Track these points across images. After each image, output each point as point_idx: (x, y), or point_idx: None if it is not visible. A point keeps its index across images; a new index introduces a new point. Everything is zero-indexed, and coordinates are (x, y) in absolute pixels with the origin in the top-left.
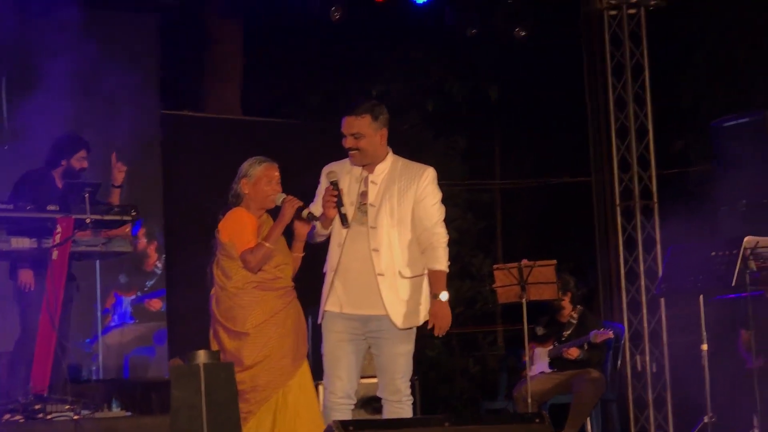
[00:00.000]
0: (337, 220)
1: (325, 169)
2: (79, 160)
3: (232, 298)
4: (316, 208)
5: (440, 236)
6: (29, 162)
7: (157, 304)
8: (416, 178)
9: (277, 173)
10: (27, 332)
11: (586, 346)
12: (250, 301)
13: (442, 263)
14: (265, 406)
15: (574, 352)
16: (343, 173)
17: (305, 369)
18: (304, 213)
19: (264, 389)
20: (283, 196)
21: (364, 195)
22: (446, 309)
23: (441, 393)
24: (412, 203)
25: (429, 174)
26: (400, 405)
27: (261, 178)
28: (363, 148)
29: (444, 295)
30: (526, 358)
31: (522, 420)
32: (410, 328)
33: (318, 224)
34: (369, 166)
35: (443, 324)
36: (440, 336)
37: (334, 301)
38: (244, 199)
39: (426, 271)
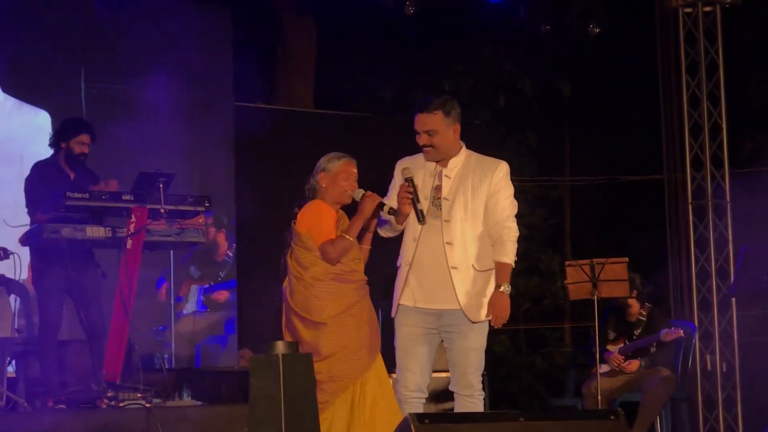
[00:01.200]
0: (412, 216)
1: (400, 164)
2: (79, 144)
3: (309, 288)
4: (390, 202)
5: (510, 230)
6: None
7: (223, 295)
8: (490, 172)
9: (355, 170)
10: (49, 322)
11: (653, 348)
12: (327, 292)
13: (508, 256)
14: (341, 397)
15: (634, 366)
16: (417, 168)
17: (380, 361)
18: (386, 209)
19: (341, 380)
20: (362, 191)
21: (438, 189)
22: (506, 301)
23: (508, 389)
24: (486, 197)
25: (503, 168)
26: (471, 400)
27: (339, 173)
28: (437, 144)
29: (506, 288)
30: (597, 355)
31: (597, 416)
32: (483, 322)
33: (393, 219)
34: (443, 160)
35: (501, 315)
36: (496, 327)
37: (408, 295)
38: (321, 193)
39: None
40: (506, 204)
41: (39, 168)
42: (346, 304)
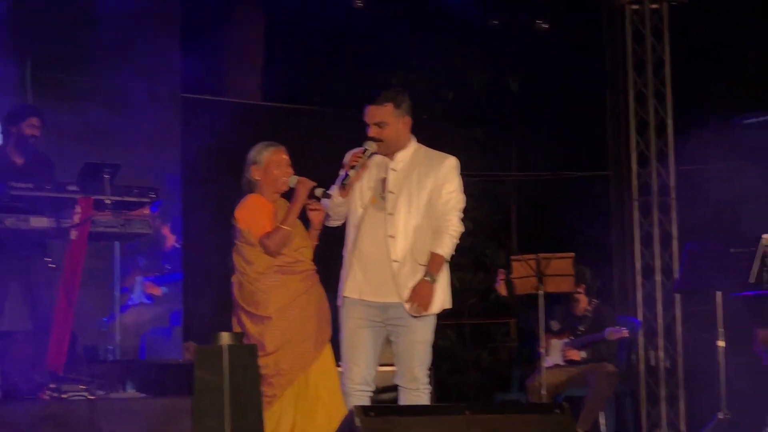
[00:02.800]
0: (353, 203)
1: (349, 154)
2: (30, 127)
3: (254, 282)
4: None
5: (451, 223)
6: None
7: (156, 290)
8: (436, 165)
9: (285, 156)
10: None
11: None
12: (271, 285)
13: (443, 248)
14: (288, 390)
15: (575, 355)
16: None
17: (327, 353)
18: (318, 192)
19: (287, 373)
20: (296, 178)
21: (384, 181)
22: (429, 290)
23: (454, 383)
24: (430, 190)
25: (450, 162)
26: (417, 393)
27: (270, 162)
28: (386, 137)
29: (431, 277)
30: (542, 350)
31: (542, 410)
32: (428, 316)
33: (335, 194)
34: (391, 153)
35: (422, 303)
36: (415, 315)
37: (353, 287)
38: (257, 186)
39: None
40: (450, 197)
41: None
42: (291, 296)
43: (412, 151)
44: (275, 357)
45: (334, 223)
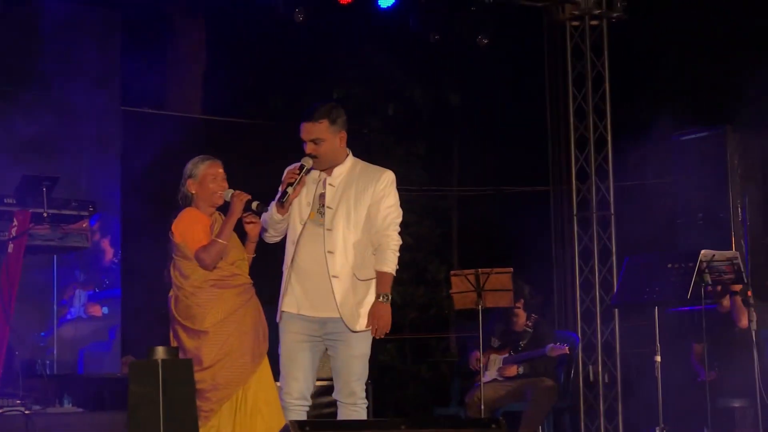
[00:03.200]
0: (293, 219)
1: (289, 169)
2: None
3: (190, 297)
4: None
5: (391, 239)
6: None
7: (96, 310)
8: (374, 180)
9: (221, 170)
10: None
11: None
12: (207, 300)
13: (389, 265)
14: (226, 405)
15: (512, 371)
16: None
17: (265, 366)
18: (254, 205)
19: (225, 387)
20: (231, 191)
21: (322, 197)
22: (387, 311)
23: (393, 398)
24: (368, 205)
25: (387, 177)
26: (354, 408)
27: (206, 176)
28: (323, 153)
29: (385, 298)
30: (480, 365)
31: (479, 425)
32: (366, 331)
33: (274, 212)
34: (328, 168)
35: (381, 325)
36: (377, 337)
37: (291, 302)
38: (193, 200)
39: None
40: (388, 212)
41: None
42: (227, 310)
43: (349, 165)
44: (212, 371)
45: (273, 239)
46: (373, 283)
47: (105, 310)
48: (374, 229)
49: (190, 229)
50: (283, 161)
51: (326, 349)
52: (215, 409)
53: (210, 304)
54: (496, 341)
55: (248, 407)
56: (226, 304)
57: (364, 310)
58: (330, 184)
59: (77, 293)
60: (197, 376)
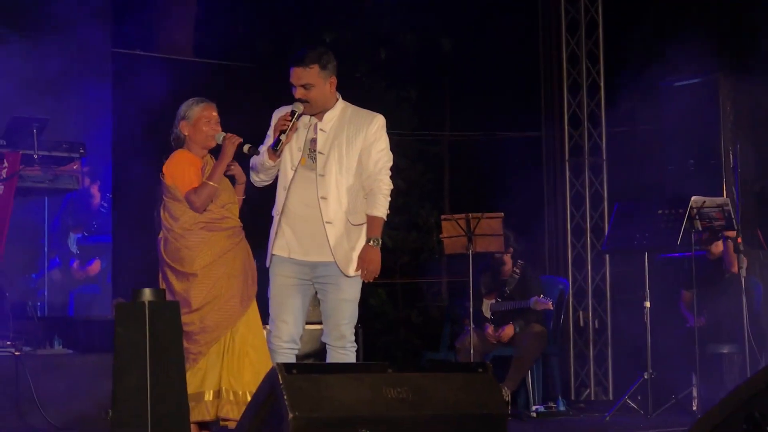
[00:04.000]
0: (283, 164)
1: (277, 113)
2: None
3: (179, 239)
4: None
5: (382, 183)
6: None
7: (94, 269)
8: (365, 125)
9: (215, 113)
10: None
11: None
12: (197, 242)
13: (380, 210)
14: (214, 348)
15: (508, 333)
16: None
17: (254, 309)
18: (245, 148)
19: (213, 330)
20: (223, 134)
21: (313, 142)
22: (376, 255)
23: (383, 343)
24: (360, 150)
25: (378, 121)
26: (344, 351)
27: (200, 118)
28: (313, 98)
29: (376, 241)
30: (471, 310)
31: (465, 369)
32: (357, 275)
33: (266, 158)
34: (319, 113)
35: (371, 268)
36: (367, 281)
37: (282, 246)
38: (186, 142)
39: None
40: (379, 157)
41: None
42: (217, 252)
43: (339, 110)
44: (200, 314)
45: (263, 183)
46: (365, 227)
47: (103, 264)
48: (366, 173)
49: (181, 171)
50: (272, 105)
51: (316, 293)
52: (203, 352)
53: (199, 247)
54: (483, 288)
55: (236, 350)
56: (215, 246)
57: (356, 254)
58: (321, 129)
59: (71, 237)
60: (185, 318)
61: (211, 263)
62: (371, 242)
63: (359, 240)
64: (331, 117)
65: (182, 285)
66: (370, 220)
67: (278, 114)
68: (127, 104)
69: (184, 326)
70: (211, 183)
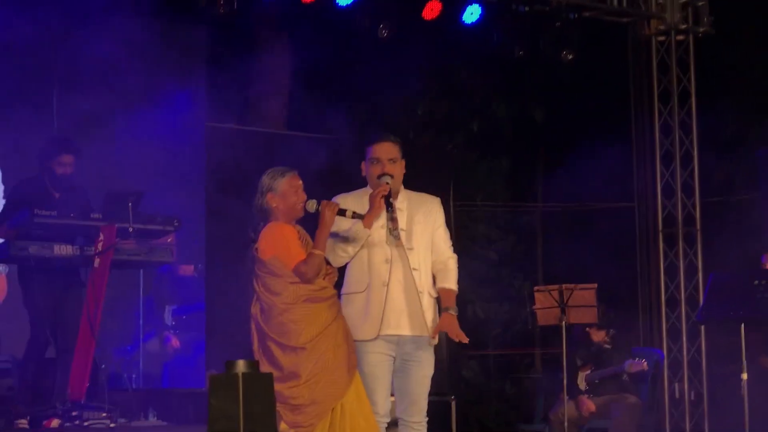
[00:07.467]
0: (376, 240)
1: (336, 199)
2: (60, 166)
3: (283, 313)
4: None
5: (454, 259)
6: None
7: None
8: (434, 207)
9: (300, 181)
10: (35, 338)
11: (625, 376)
12: (302, 316)
13: (455, 284)
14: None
15: (591, 407)
16: (363, 203)
17: (359, 378)
18: (348, 213)
19: (323, 402)
20: (315, 201)
21: (394, 221)
22: (456, 321)
23: (476, 415)
24: (432, 229)
25: (439, 202)
26: (420, 426)
27: (287, 189)
28: (397, 174)
29: (454, 310)
30: (564, 381)
31: None
32: (432, 351)
33: (359, 226)
34: (395, 192)
35: (457, 332)
36: (464, 342)
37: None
38: (273, 213)
39: None
40: (447, 236)
41: (21, 185)
42: (322, 324)
43: (405, 191)
44: (309, 386)
45: (349, 257)
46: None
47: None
48: (439, 250)
49: (283, 245)
50: (352, 176)
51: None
52: (315, 424)
53: (305, 321)
54: (578, 360)
55: (346, 421)
56: (320, 318)
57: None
58: (399, 208)
59: (167, 309)
60: (294, 392)
61: (317, 335)
62: (451, 311)
63: (436, 312)
64: (403, 197)
65: (289, 358)
66: (447, 293)
67: (359, 193)
68: (222, 176)
69: (293, 399)
70: (318, 252)
